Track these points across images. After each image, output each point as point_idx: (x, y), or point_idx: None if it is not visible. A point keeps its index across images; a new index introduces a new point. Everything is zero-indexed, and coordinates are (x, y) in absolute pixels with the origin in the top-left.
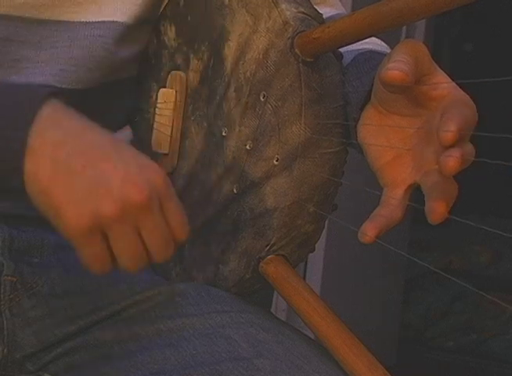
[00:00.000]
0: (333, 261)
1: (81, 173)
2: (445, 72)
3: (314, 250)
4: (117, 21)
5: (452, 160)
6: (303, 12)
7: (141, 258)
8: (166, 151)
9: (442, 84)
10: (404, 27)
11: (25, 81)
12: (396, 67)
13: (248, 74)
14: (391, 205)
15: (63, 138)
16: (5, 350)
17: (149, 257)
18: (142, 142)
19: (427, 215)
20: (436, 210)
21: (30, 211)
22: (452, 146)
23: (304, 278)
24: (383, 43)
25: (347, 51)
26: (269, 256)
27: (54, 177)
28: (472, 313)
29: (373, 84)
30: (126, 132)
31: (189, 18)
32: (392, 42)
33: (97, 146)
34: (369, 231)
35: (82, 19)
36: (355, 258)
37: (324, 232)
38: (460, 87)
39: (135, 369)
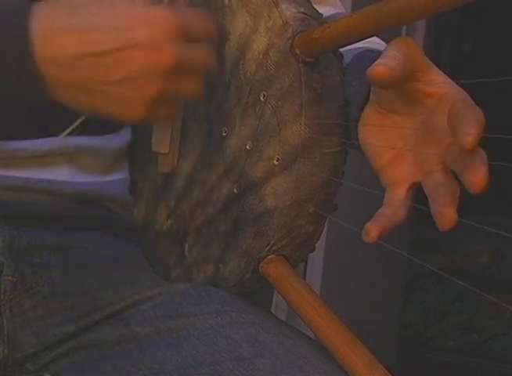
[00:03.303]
0: (333, 261)
1: (105, 82)
2: (445, 72)
3: (314, 250)
4: None
5: (480, 176)
6: (303, 13)
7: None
8: (166, 151)
9: (439, 81)
10: (404, 27)
11: None
12: (382, 63)
13: (248, 74)
14: (394, 205)
15: (73, 51)
16: (6, 350)
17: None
18: (142, 142)
19: (436, 221)
20: (446, 216)
21: (31, 211)
22: (474, 149)
23: (304, 278)
24: (382, 42)
25: (347, 50)
26: (269, 256)
27: (84, 96)
28: (473, 313)
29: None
30: (126, 132)
31: None
32: None
33: (102, 39)
34: (371, 230)
35: None
36: (355, 258)
37: (324, 232)
38: (460, 87)
39: (135, 369)
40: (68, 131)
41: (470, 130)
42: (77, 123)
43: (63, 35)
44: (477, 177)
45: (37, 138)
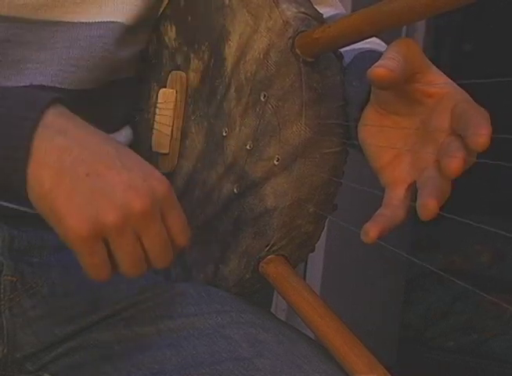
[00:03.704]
0: (333, 261)
1: (85, 180)
2: (445, 72)
3: (314, 250)
4: (117, 21)
5: (456, 162)
6: (304, 12)
7: (141, 264)
8: (166, 151)
9: (439, 82)
10: (404, 27)
11: (27, 83)
12: (382, 64)
13: (249, 74)
14: (393, 205)
15: (68, 144)
16: (5, 350)
17: (149, 263)
18: (142, 142)
19: (417, 210)
20: (427, 206)
21: (31, 211)
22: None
23: (304, 278)
24: (382, 42)
25: (347, 51)
26: (269, 256)
27: (57, 183)
28: (473, 313)
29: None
30: (126, 132)
31: (189, 18)
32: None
33: (102, 153)
34: (370, 231)
35: (82, 20)
36: (355, 258)
37: (324, 232)
38: (460, 87)
39: (135, 369)
40: None
41: (482, 130)
42: None
43: (63, 134)
44: (453, 163)
45: None
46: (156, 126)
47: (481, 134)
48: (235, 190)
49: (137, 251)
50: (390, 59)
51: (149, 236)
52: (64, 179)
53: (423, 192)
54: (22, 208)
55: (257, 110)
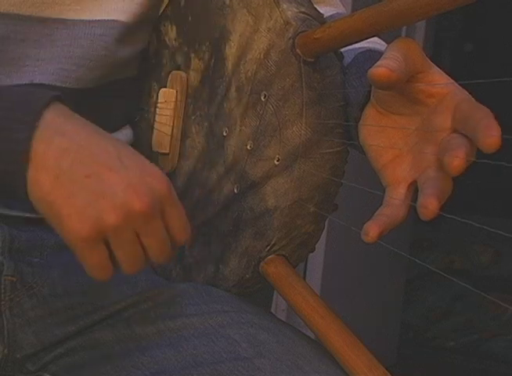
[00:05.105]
0: (333, 261)
1: (84, 182)
2: (445, 72)
3: (314, 250)
4: (117, 20)
5: (457, 161)
6: (304, 12)
7: (140, 262)
8: (166, 151)
9: (440, 82)
10: (404, 27)
11: (27, 81)
12: (382, 64)
13: (249, 73)
14: (394, 204)
15: (67, 145)
16: (6, 350)
17: (148, 260)
18: (142, 142)
19: (418, 210)
20: (427, 206)
21: (31, 211)
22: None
23: (304, 278)
24: (382, 42)
25: (348, 50)
26: (269, 256)
27: (56, 185)
28: (473, 313)
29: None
30: (126, 132)
31: (189, 18)
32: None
33: (101, 153)
34: (371, 230)
35: (83, 18)
36: (355, 258)
37: (324, 232)
38: (461, 87)
39: (135, 369)
40: None
41: (492, 132)
42: None
43: (62, 135)
44: (455, 162)
45: None
46: (156, 126)
47: (493, 135)
48: (235, 190)
49: (137, 249)
50: (390, 58)
51: (148, 234)
52: (63, 182)
53: (423, 192)
54: (23, 209)
55: (258, 109)
